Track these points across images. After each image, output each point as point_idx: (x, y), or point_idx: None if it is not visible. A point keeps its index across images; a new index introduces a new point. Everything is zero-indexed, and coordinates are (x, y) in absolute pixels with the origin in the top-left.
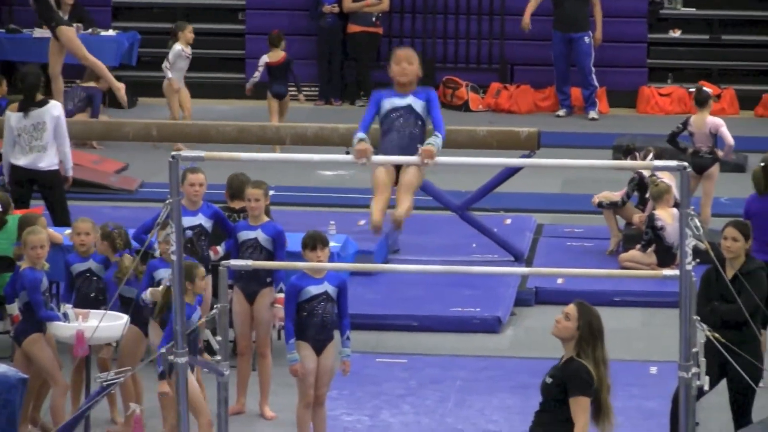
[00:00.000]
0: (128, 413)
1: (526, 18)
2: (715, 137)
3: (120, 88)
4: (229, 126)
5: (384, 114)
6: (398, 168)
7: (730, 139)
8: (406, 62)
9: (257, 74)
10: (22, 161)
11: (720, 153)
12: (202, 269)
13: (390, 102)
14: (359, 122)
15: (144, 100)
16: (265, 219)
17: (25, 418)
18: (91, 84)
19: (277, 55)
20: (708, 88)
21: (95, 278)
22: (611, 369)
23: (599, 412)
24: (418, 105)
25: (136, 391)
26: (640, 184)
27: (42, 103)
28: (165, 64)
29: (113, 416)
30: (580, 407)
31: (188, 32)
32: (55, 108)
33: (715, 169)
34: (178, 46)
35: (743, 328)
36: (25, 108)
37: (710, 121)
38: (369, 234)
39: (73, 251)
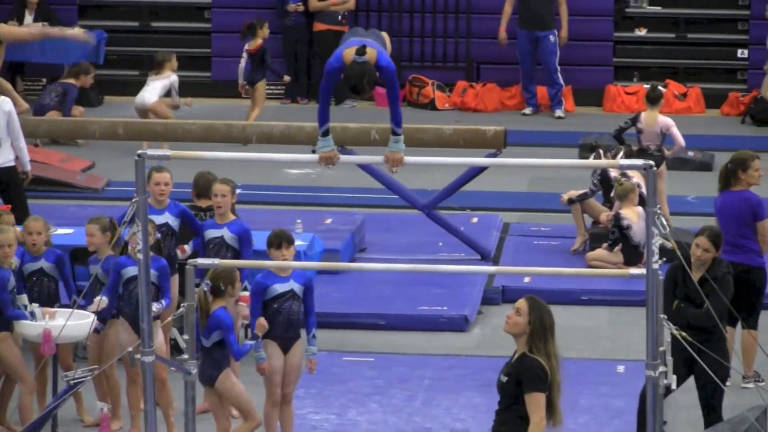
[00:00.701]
0: (96, 411)
1: (502, 33)
2: (664, 136)
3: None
4: (195, 124)
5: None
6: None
7: (681, 139)
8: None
9: (241, 63)
10: None
11: (667, 152)
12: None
13: None
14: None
15: (110, 98)
16: (231, 217)
17: (2, 417)
18: (70, 80)
19: (254, 43)
20: (661, 87)
21: (46, 278)
22: (578, 368)
23: (549, 407)
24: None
25: (112, 389)
26: (603, 181)
27: None
28: (172, 98)
29: (81, 415)
30: (534, 403)
31: (174, 61)
32: (5, 103)
33: (663, 167)
34: (174, 77)
35: (711, 328)
36: None
37: (662, 120)
38: (335, 232)
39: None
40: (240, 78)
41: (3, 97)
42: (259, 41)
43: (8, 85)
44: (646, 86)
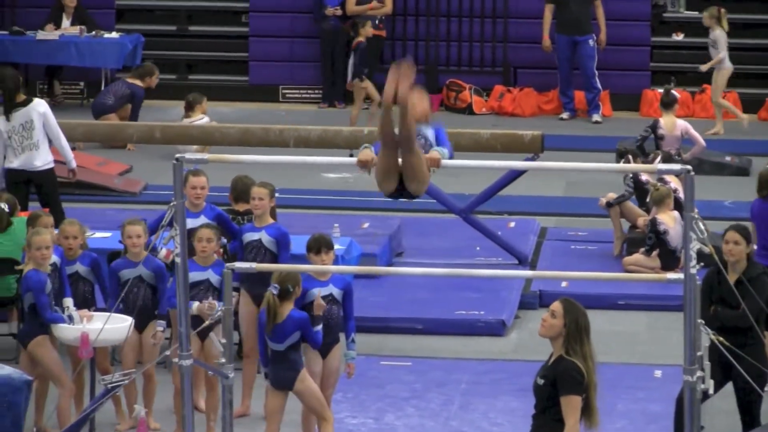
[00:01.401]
0: (133, 414)
1: (546, 40)
2: (682, 139)
3: None
4: (233, 128)
5: None
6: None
7: (701, 140)
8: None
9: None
10: (15, 163)
11: (685, 155)
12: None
13: None
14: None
15: (148, 102)
16: (270, 221)
17: (39, 421)
18: (136, 81)
19: (355, 41)
20: (675, 91)
21: (82, 281)
22: (615, 372)
23: (586, 409)
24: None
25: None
26: (636, 185)
27: (26, 102)
28: None
29: (119, 418)
30: (571, 406)
31: (205, 103)
32: (40, 105)
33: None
34: (206, 118)
35: (747, 332)
36: (9, 110)
37: (680, 123)
38: (373, 237)
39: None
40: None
41: (38, 99)
42: (360, 38)
43: None
44: (659, 90)
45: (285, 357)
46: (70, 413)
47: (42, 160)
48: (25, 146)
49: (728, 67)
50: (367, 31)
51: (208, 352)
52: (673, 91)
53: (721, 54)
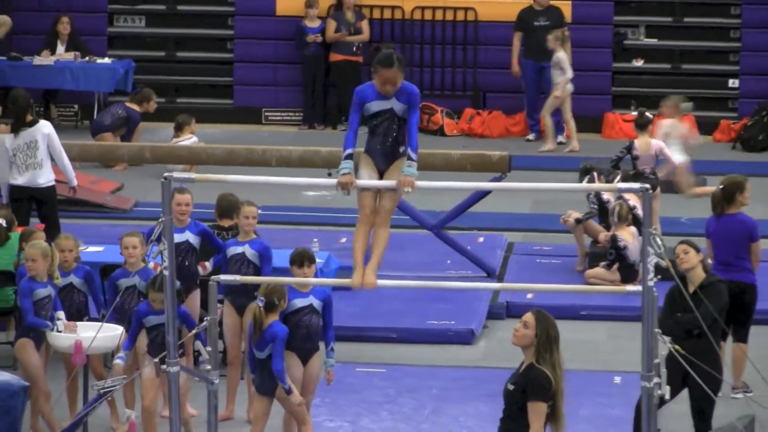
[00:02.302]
0: (126, 418)
1: (515, 66)
2: (657, 159)
3: None
4: (218, 149)
5: (368, 116)
6: (381, 172)
7: (673, 158)
8: (390, 85)
9: None
10: (20, 180)
11: (660, 173)
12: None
13: (374, 105)
14: (347, 130)
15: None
16: (253, 236)
17: (35, 424)
18: (134, 106)
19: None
20: (648, 114)
21: (76, 292)
22: (578, 379)
23: (552, 415)
24: (399, 108)
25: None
26: (599, 203)
27: (32, 123)
28: None
29: (113, 421)
30: (537, 412)
31: (193, 125)
32: (45, 126)
33: (657, 190)
34: (194, 138)
35: (703, 339)
36: (16, 129)
37: (654, 143)
38: (350, 251)
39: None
40: None
41: (43, 121)
42: None
43: None
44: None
45: (267, 365)
46: (53, 415)
47: (45, 178)
48: (29, 165)
49: (570, 88)
50: (192, 128)
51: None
52: (647, 114)
53: (567, 74)
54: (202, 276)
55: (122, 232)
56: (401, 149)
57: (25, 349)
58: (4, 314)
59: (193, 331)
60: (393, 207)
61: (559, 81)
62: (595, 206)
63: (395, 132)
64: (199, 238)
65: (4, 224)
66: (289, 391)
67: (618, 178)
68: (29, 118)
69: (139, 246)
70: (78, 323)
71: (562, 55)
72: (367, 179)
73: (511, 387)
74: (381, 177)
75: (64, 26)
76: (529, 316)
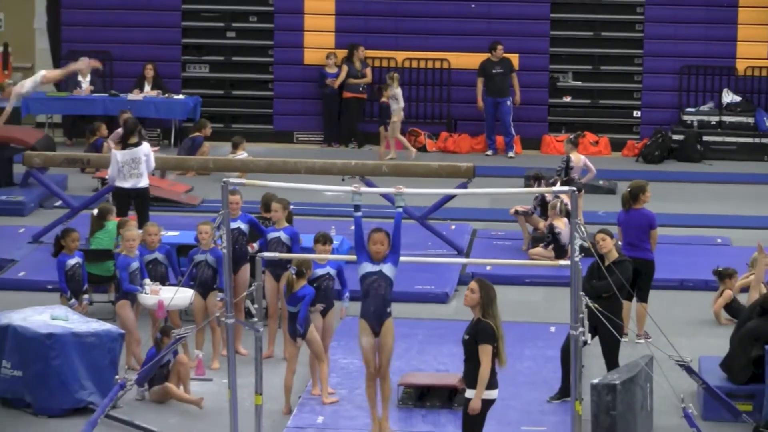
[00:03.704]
0: (195, 356)
1: (479, 102)
2: (583, 169)
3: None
4: (262, 161)
5: (361, 276)
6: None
7: (593, 169)
8: (380, 244)
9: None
10: (125, 184)
11: (583, 179)
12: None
13: (366, 267)
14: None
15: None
16: (285, 224)
17: (129, 361)
18: (196, 133)
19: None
20: (580, 136)
21: (159, 265)
22: (522, 329)
23: (497, 354)
24: (388, 270)
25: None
26: (542, 202)
27: (137, 144)
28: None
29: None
30: (485, 352)
31: (244, 144)
32: (145, 147)
33: (583, 191)
34: (245, 154)
35: (612, 299)
36: (125, 147)
37: (582, 158)
38: None
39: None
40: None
41: (145, 143)
42: (384, 99)
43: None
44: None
45: (297, 317)
46: (141, 356)
47: (143, 183)
48: (132, 174)
49: (401, 115)
50: (388, 93)
51: (211, 305)
52: (579, 136)
53: (401, 104)
54: (250, 254)
55: (193, 222)
56: (389, 310)
57: (123, 308)
58: (106, 281)
59: (243, 294)
60: (389, 359)
61: (395, 109)
62: (535, 208)
63: (384, 290)
64: (248, 225)
65: (96, 213)
66: (304, 334)
67: (558, 183)
68: (134, 139)
69: (210, 231)
70: (161, 287)
71: (398, 90)
72: (366, 344)
73: (466, 337)
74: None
75: (150, 71)
76: (473, 284)
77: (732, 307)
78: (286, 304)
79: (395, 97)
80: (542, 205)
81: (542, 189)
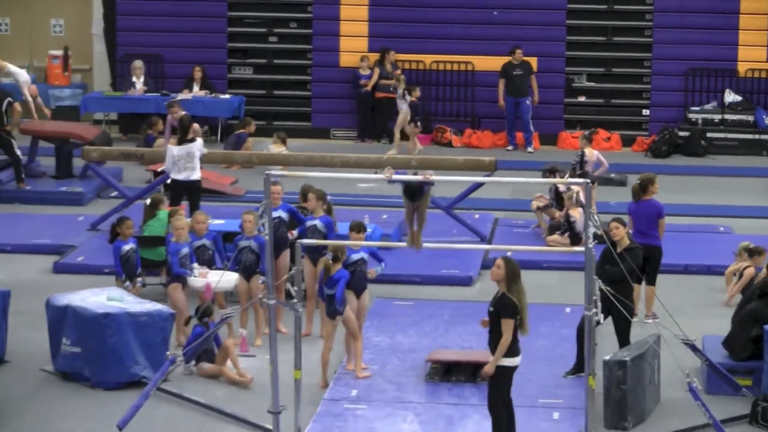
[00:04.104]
0: (239, 334)
1: (501, 101)
2: (595, 163)
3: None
4: (301, 155)
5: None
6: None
7: (606, 163)
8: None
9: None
10: (179, 177)
11: (596, 173)
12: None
13: None
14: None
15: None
16: (322, 213)
17: (179, 339)
18: (242, 130)
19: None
20: (594, 132)
21: (207, 250)
22: (540, 310)
23: (521, 325)
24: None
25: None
26: (556, 194)
27: (192, 140)
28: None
29: (230, 336)
30: (506, 325)
31: (286, 140)
32: (198, 143)
33: (596, 183)
34: (285, 149)
35: (623, 283)
36: (181, 142)
37: (596, 153)
38: (389, 223)
39: (192, 233)
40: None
41: (199, 139)
42: (412, 98)
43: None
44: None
45: (335, 298)
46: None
47: (196, 176)
48: (186, 167)
49: (406, 110)
50: (416, 93)
51: (254, 288)
52: (593, 132)
53: (406, 102)
54: (290, 240)
55: (237, 212)
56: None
57: (175, 290)
58: (158, 265)
59: (284, 277)
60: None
61: (403, 107)
62: (552, 200)
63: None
64: (288, 214)
65: (149, 203)
66: (342, 312)
67: (567, 175)
68: (190, 135)
69: (253, 220)
70: (208, 271)
71: (400, 91)
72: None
73: (491, 309)
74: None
75: (198, 73)
76: (499, 261)
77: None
78: (324, 287)
79: (402, 96)
80: (556, 197)
81: (559, 180)
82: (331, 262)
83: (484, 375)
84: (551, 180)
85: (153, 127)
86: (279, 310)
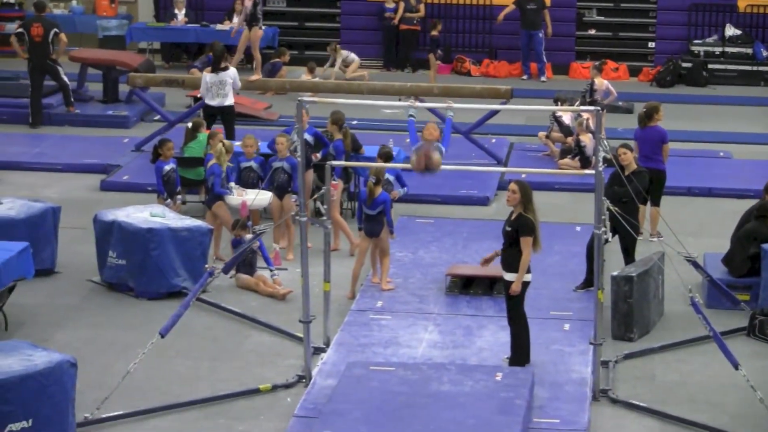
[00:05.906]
0: (275, 248)
1: (501, 17)
2: (605, 92)
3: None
4: (330, 82)
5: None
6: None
7: (614, 92)
8: (432, 130)
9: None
10: (213, 102)
11: (605, 101)
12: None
13: None
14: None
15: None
16: (339, 136)
17: (216, 252)
18: (276, 59)
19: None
20: (603, 63)
21: (253, 172)
22: (553, 228)
23: (535, 242)
24: None
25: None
26: (557, 120)
27: (225, 69)
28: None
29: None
30: (526, 243)
31: (317, 69)
32: (231, 72)
33: (605, 111)
34: (317, 77)
35: (629, 203)
36: (214, 70)
37: (605, 82)
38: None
39: (242, 155)
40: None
41: (231, 68)
42: (434, 32)
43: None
44: (586, 64)
45: (375, 218)
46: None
47: (228, 102)
48: (219, 94)
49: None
50: (438, 28)
51: (287, 205)
52: (602, 63)
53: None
54: (313, 162)
55: (271, 135)
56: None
57: (220, 207)
58: (197, 184)
59: (315, 196)
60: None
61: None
62: (552, 124)
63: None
64: (313, 137)
65: (190, 126)
66: (392, 230)
67: (578, 102)
68: (223, 64)
69: (285, 142)
70: (245, 190)
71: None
72: None
73: (508, 228)
74: None
75: (240, 4)
76: (513, 185)
77: None
78: (366, 208)
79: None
80: (559, 124)
81: (571, 108)
82: (372, 185)
83: (512, 293)
84: (565, 108)
85: (281, 56)
86: (309, 227)
